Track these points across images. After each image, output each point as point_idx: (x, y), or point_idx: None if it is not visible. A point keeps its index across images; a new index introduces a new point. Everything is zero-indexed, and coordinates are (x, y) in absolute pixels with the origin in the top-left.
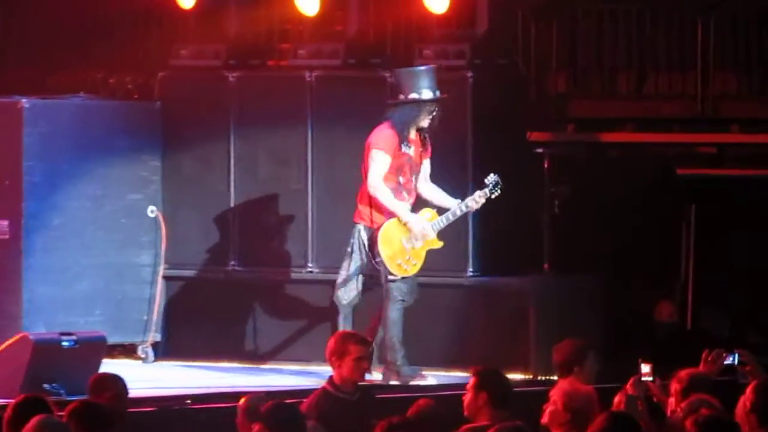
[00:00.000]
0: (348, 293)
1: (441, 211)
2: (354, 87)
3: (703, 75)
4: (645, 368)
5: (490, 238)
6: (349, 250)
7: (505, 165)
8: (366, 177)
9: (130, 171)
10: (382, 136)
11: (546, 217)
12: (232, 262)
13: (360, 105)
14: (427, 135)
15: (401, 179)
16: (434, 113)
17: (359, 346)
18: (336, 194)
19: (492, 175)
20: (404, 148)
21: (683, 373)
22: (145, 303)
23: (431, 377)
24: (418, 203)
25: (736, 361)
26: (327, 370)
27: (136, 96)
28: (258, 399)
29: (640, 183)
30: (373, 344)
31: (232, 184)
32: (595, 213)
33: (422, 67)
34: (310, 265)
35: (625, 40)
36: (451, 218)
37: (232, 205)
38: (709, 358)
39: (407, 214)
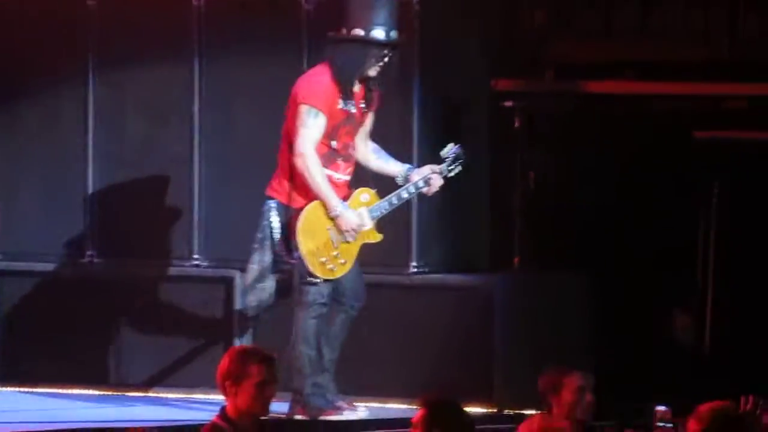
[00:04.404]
0: (256, 296)
1: (379, 185)
2: (257, 14)
3: (732, 7)
4: (662, 410)
5: (441, 222)
6: (259, 235)
7: (462, 123)
8: (287, 138)
9: None
10: (318, 87)
11: (517, 195)
12: (90, 252)
13: (266, 39)
14: (373, 87)
15: (334, 143)
16: (385, 60)
17: (262, 366)
18: (232, 160)
19: (451, 145)
20: (343, 104)
21: (704, 409)
22: None
23: (361, 409)
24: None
25: None
26: (218, 399)
27: None
28: None
29: (644, 150)
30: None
31: (89, 145)
32: (582, 190)
33: None
34: (196, 256)
35: None
36: (396, 203)
37: (89, 174)
38: (748, 407)
39: (338, 204)
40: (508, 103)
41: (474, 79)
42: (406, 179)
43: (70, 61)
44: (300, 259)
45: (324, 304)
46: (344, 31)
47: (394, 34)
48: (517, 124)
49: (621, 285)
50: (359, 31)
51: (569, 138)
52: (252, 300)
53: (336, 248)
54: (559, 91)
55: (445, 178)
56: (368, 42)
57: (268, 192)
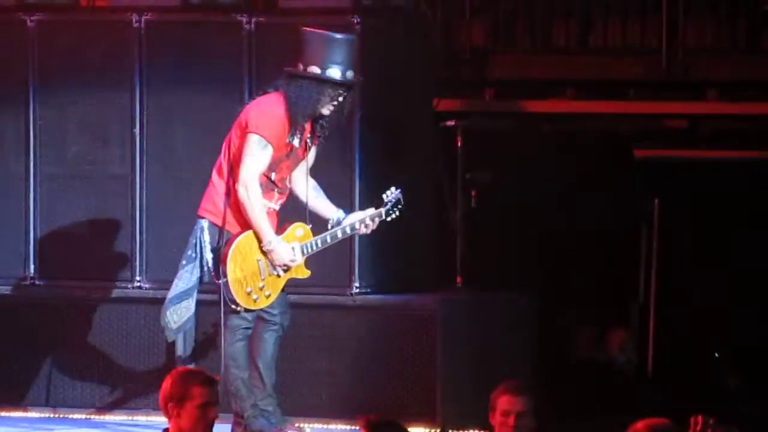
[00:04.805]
0: (179, 314)
1: (315, 222)
2: (198, 35)
3: (669, 23)
4: None
5: (384, 242)
6: (190, 253)
7: (404, 143)
8: (228, 160)
9: None
10: (270, 118)
11: (459, 214)
12: (31, 274)
13: (207, 60)
14: (324, 125)
15: (273, 175)
16: (340, 100)
17: (204, 387)
18: (174, 182)
19: (393, 189)
20: (291, 138)
21: (640, 426)
22: None
23: (305, 430)
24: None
25: None
26: (161, 421)
27: None
28: None
29: (584, 168)
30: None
31: (31, 166)
32: (523, 209)
33: (338, 36)
34: (138, 278)
35: None
36: (329, 242)
37: (31, 195)
38: (698, 428)
39: (273, 239)
40: (450, 123)
41: (415, 99)
42: (339, 224)
43: (11, 82)
44: (226, 284)
45: (248, 328)
46: (300, 66)
47: (350, 74)
48: (458, 144)
49: (564, 303)
50: (315, 69)
51: (511, 156)
52: (175, 320)
53: (263, 279)
54: (500, 110)
55: (382, 221)
56: (323, 80)
57: (201, 213)
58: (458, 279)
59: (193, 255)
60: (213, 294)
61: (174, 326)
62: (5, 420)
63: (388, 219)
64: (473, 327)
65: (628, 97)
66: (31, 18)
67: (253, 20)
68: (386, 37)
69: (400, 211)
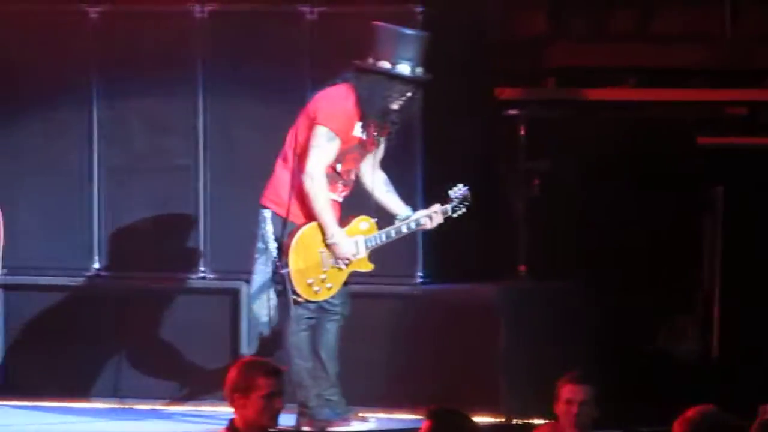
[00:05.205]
0: (266, 306)
1: (381, 216)
2: (260, 25)
3: (732, 9)
4: None
5: (447, 231)
6: (259, 245)
7: (466, 132)
8: (294, 150)
9: None
10: (339, 111)
11: (521, 203)
12: (96, 266)
13: (269, 50)
14: (394, 119)
15: (339, 167)
16: (408, 95)
17: (270, 378)
18: (237, 172)
19: (460, 186)
20: (358, 131)
21: (691, 413)
22: None
23: (370, 421)
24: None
25: None
26: (226, 412)
27: None
28: None
29: (647, 157)
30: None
31: (95, 159)
32: (587, 197)
33: (410, 31)
34: (202, 268)
35: None
36: (394, 236)
37: (94, 187)
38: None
39: (336, 231)
40: (512, 112)
41: (477, 88)
42: (405, 220)
43: (74, 74)
44: (288, 275)
45: (311, 318)
46: (370, 61)
47: (419, 71)
48: (521, 133)
49: (627, 293)
50: (385, 64)
51: (573, 145)
52: (264, 314)
53: (325, 271)
54: (561, 99)
55: (447, 217)
56: (393, 76)
57: (264, 202)
58: (521, 268)
59: (263, 246)
60: (277, 284)
61: (265, 319)
62: (72, 410)
63: (455, 215)
64: (536, 316)
65: (690, 85)
66: (94, 10)
67: (316, 10)
68: (447, 25)
69: (466, 208)
